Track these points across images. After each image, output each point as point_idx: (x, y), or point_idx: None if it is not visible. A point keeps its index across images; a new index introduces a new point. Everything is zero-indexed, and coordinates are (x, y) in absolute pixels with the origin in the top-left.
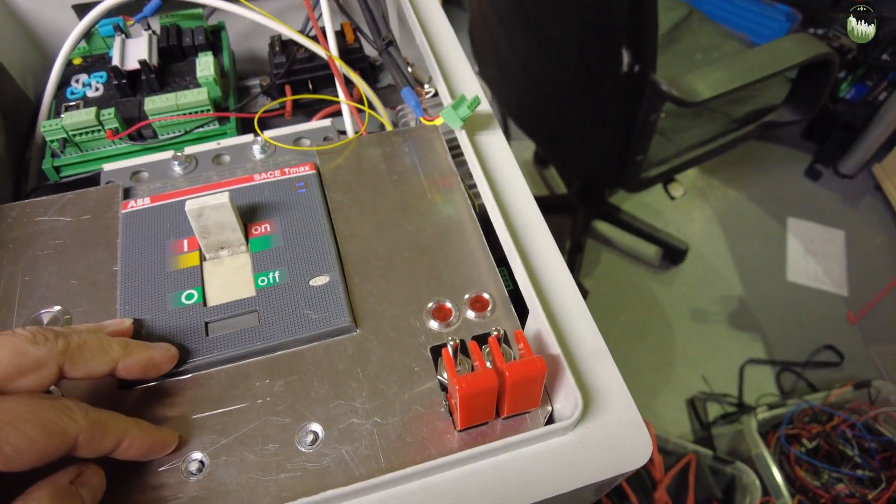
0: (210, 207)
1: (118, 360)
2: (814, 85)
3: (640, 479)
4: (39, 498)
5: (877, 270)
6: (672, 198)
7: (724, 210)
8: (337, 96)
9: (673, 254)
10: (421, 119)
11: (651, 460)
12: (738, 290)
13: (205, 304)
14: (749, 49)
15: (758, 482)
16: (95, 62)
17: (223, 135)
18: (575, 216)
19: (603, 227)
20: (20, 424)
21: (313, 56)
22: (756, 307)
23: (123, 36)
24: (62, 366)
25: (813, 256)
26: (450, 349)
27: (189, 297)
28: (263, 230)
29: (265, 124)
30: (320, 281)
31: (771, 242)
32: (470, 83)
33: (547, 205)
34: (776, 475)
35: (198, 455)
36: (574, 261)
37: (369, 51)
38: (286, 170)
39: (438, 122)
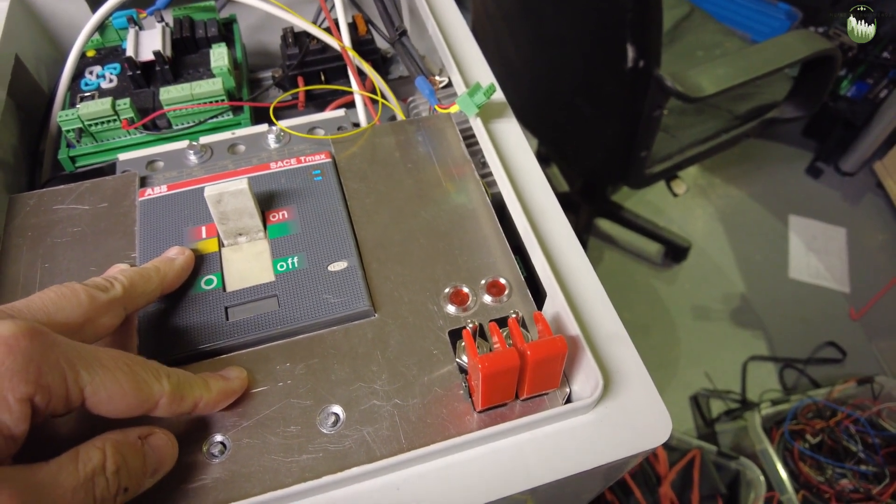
0: (229, 193)
1: (164, 278)
2: (816, 81)
3: (645, 475)
4: (103, 444)
5: (878, 267)
6: (675, 194)
7: (725, 208)
8: (349, 87)
9: (675, 251)
10: (436, 107)
11: (656, 456)
12: (741, 287)
13: (224, 289)
14: (751, 46)
15: (762, 478)
16: (109, 54)
17: (237, 125)
18: (577, 214)
19: (605, 224)
20: (118, 374)
21: (326, 48)
22: (758, 304)
23: (137, 28)
24: (125, 305)
25: (815, 254)
26: (469, 331)
27: (208, 282)
28: (281, 217)
29: (278, 116)
30: (338, 266)
31: (773, 240)
32: (484, 72)
33: None
34: (780, 471)
35: (220, 437)
36: None
37: (381, 43)
38: (302, 158)
39: (454, 109)
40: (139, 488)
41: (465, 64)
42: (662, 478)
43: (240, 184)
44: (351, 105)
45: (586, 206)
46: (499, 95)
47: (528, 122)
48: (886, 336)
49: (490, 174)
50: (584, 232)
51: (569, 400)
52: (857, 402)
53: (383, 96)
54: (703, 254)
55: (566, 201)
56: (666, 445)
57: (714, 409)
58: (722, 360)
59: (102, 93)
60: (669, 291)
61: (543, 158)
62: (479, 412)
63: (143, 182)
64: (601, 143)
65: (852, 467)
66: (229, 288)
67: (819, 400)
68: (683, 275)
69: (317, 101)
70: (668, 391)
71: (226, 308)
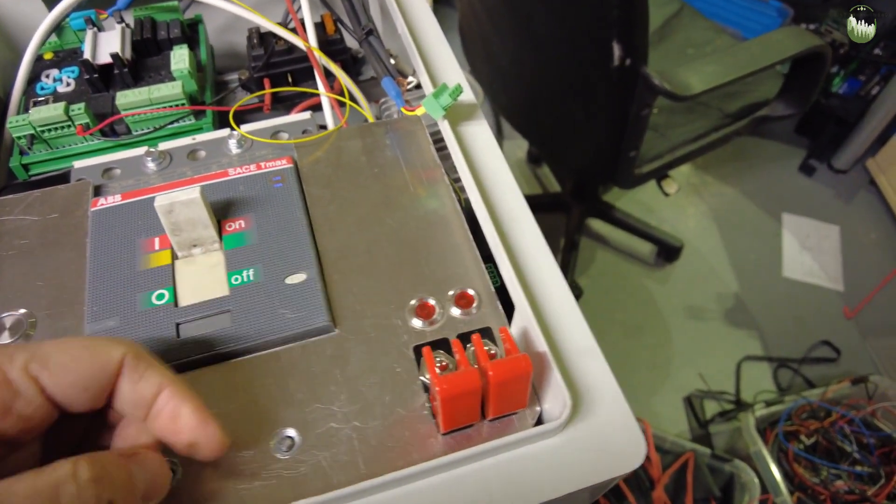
0: (180, 203)
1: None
2: (807, 78)
3: (638, 479)
4: (77, 457)
5: (872, 265)
6: (666, 194)
7: (718, 207)
8: (317, 89)
9: (668, 251)
10: (402, 109)
11: (649, 459)
12: (734, 286)
13: (176, 304)
14: (740, 44)
15: (756, 480)
16: (67, 57)
17: (199, 130)
18: (569, 214)
19: (597, 225)
20: (63, 346)
21: (292, 48)
22: (752, 303)
23: (95, 29)
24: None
25: (808, 252)
26: (430, 348)
27: (160, 297)
28: (238, 227)
29: (243, 119)
30: (297, 279)
31: (766, 238)
32: (453, 72)
33: (540, 203)
34: (775, 472)
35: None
36: (568, 259)
37: (351, 43)
38: (262, 164)
39: (420, 111)
40: None
41: (435, 64)
42: (656, 481)
43: (192, 193)
44: (320, 108)
45: (577, 206)
46: (468, 97)
47: (517, 123)
48: (881, 335)
49: (461, 179)
50: (576, 232)
51: (540, 419)
52: (852, 401)
53: (352, 98)
54: (696, 253)
55: (557, 201)
56: (659, 448)
57: (708, 410)
58: (715, 360)
59: (58, 97)
60: (662, 291)
61: (534, 158)
62: (444, 434)
63: (98, 191)
64: (590, 142)
65: (847, 468)
66: (181, 303)
67: (813, 400)
68: (676, 275)
69: (285, 104)
70: (661, 392)
71: (177, 324)
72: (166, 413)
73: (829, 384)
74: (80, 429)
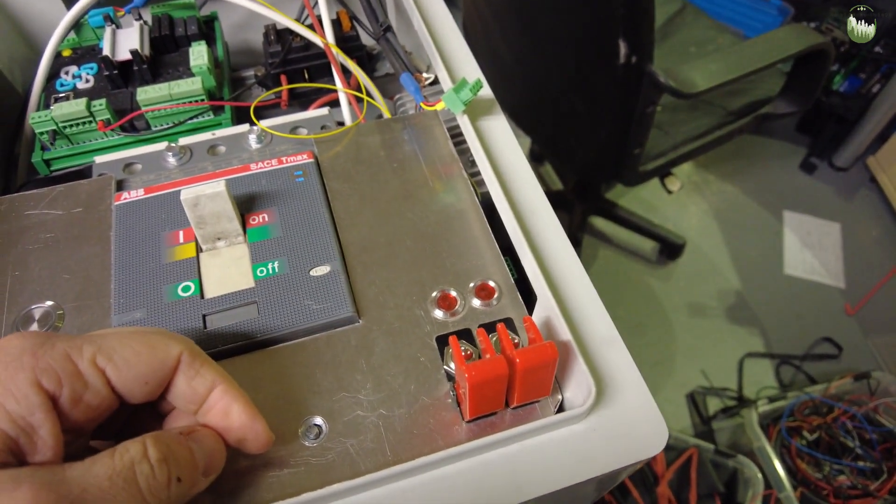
0: (206, 196)
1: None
2: (809, 75)
3: (643, 475)
4: (143, 437)
5: (873, 262)
6: (669, 192)
7: (720, 204)
8: (334, 85)
9: (670, 249)
10: (421, 104)
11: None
12: (736, 283)
13: (202, 296)
14: (744, 42)
15: (760, 475)
16: (85, 54)
17: (218, 125)
18: (571, 212)
19: (600, 223)
20: (126, 339)
21: (309, 45)
22: (754, 301)
23: (114, 26)
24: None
25: (809, 249)
26: (456, 337)
27: (186, 289)
28: (261, 220)
29: (260, 115)
30: (321, 271)
31: (767, 236)
32: (471, 68)
33: None
34: (778, 468)
35: None
36: None
37: (366, 40)
38: (283, 158)
39: (440, 107)
40: (194, 483)
41: (452, 60)
42: (660, 477)
43: (217, 186)
44: (335, 103)
45: (580, 204)
46: (486, 92)
47: (521, 121)
48: (882, 331)
49: (479, 173)
50: (579, 230)
51: (561, 407)
52: (854, 397)
53: (368, 94)
54: (698, 251)
55: (560, 200)
56: None
57: (711, 406)
58: (718, 357)
59: (78, 93)
60: (664, 289)
61: (536, 157)
62: (468, 422)
63: (120, 185)
64: (594, 140)
65: (850, 464)
66: (207, 295)
67: (816, 396)
68: (678, 272)
69: (301, 100)
70: (664, 389)
71: (203, 316)
72: (218, 409)
73: (830, 380)
74: (126, 415)
